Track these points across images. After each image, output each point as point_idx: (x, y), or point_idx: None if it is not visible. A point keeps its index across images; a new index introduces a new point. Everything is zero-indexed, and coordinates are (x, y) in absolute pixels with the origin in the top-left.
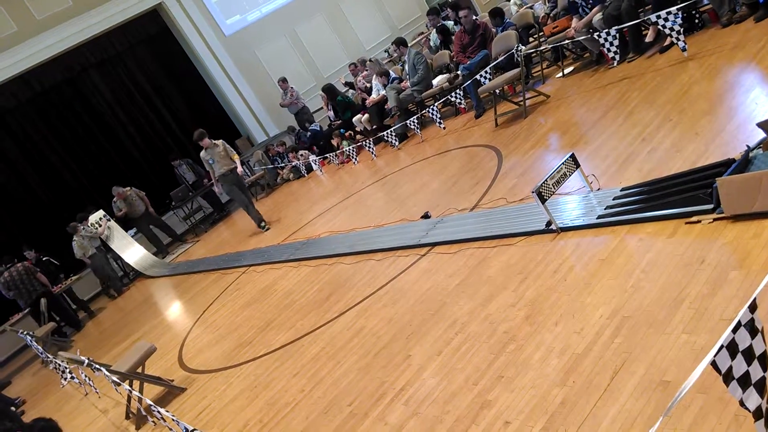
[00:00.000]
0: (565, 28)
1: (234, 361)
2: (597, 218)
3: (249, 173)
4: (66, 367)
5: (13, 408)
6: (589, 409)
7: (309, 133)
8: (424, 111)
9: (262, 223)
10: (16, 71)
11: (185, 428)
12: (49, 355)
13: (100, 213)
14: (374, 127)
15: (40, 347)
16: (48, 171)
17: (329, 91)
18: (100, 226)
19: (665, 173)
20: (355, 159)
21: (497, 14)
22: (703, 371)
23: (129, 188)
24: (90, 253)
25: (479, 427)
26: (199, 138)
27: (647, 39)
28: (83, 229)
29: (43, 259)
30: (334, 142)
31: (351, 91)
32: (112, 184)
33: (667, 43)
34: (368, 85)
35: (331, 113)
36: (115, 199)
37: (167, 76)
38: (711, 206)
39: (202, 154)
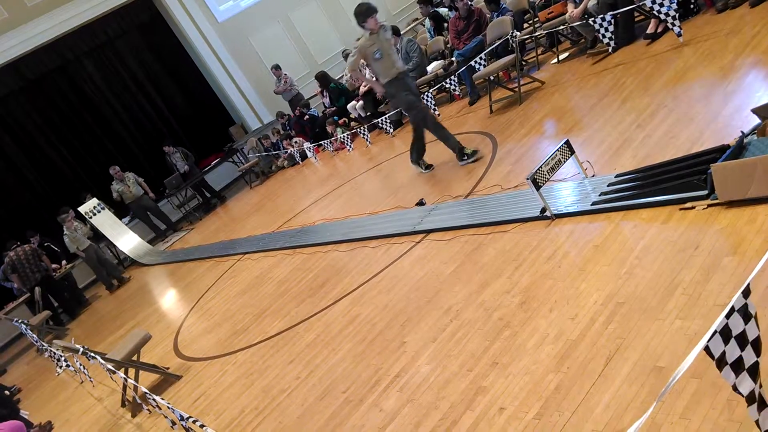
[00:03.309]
0: (561, 14)
1: (229, 349)
2: (591, 205)
3: (244, 160)
4: (61, 356)
5: (6, 392)
6: (583, 395)
7: (307, 117)
8: None
9: (465, 151)
10: (7, 58)
11: (181, 416)
12: (44, 344)
13: (94, 201)
14: (369, 113)
15: (35, 335)
16: (41, 159)
17: (322, 78)
18: (94, 215)
19: (660, 159)
20: (350, 146)
21: (493, 0)
22: (696, 357)
23: (128, 173)
24: (84, 246)
25: (474, 413)
26: (367, 12)
27: (648, 30)
28: (73, 228)
29: (45, 244)
30: (329, 129)
31: (345, 78)
32: (105, 172)
33: (660, 29)
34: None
35: (327, 100)
36: (113, 182)
37: (160, 63)
38: (705, 192)
39: (365, 42)
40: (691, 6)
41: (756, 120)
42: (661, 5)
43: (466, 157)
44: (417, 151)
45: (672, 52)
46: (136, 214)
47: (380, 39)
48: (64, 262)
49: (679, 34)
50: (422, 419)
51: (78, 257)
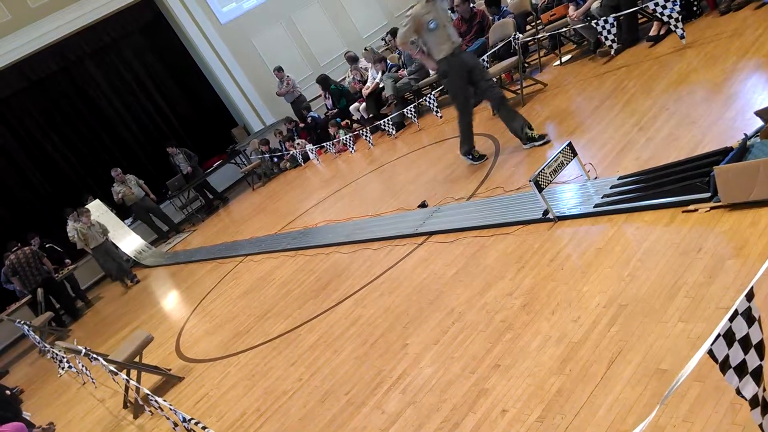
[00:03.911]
0: (563, 16)
1: (231, 350)
2: (594, 207)
3: (247, 162)
4: (63, 357)
5: (8, 392)
6: (586, 398)
7: (310, 119)
8: (421, 99)
9: (473, 153)
10: (10, 60)
11: (183, 417)
12: (46, 345)
13: (103, 207)
14: (371, 115)
15: (37, 337)
16: (44, 160)
17: (323, 81)
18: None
19: (662, 162)
20: (352, 148)
21: (494, 3)
22: (699, 360)
23: (129, 175)
24: (96, 244)
25: (476, 416)
26: None
27: (651, 32)
28: (89, 225)
29: (47, 246)
30: (331, 131)
31: (347, 80)
32: (108, 173)
33: (663, 32)
34: (367, 73)
35: (329, 102)
36: (114, 184)
37: (163, 65)
38: (708, 195)
39: (420, 9)
40: (694, 8)
41: (759, 122)
42: (664, 8)
43: (471, 158)
44: (514, 128)
45: (675, 55)
46: (137, 215)
47: (436, 7)
48: (68, 261)
49: (682, 37)
50: (424, 421)
51: (82, 258)
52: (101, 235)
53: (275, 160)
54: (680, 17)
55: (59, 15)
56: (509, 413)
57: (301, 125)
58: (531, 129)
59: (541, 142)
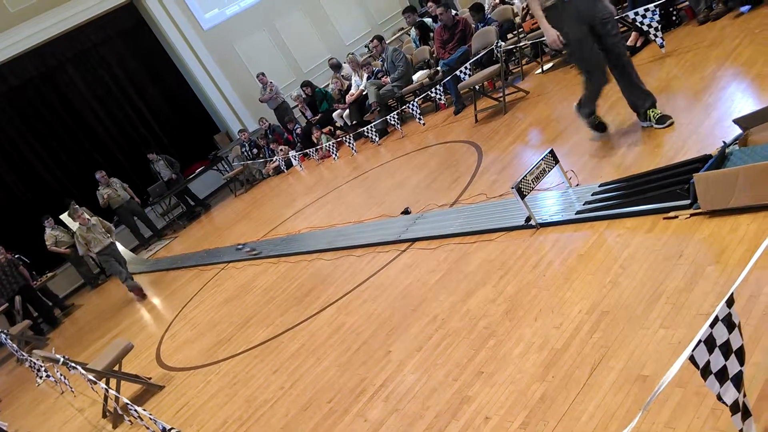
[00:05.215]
0: None
1: (213, 359)
2: (576, 214)
3: (229, 168)
4: (41, 366)
5: None
6: (569, 404)
7: (298, 130)
8: (404, 107)
9: (595, 120)
10: None
11: (163, 427)
12: (23, 354)
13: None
14: (354, 122)
15: (14, 345)
16: (23, 166)
17: (309, 84)
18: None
19: (643, 169)
20: (335, 155)
21: (480, 9)
22: (681, 366)
23: (113, 178)
24: (100, 247)
25: (459, 423)
26: None
27: (628, 42)
28: (88, 225)
29: (15, 256)
30: (314, 135)
31: (330, 86)
32: (88, 180)
33: (639, 44)
34: (347, 82)
35: (309, 112)
36: (99, 187)
37: (145, 71)
38: (688, 202)
39: None
40: (673, 18)
41: (738, 130)
42: (644, 17)
43: (589, 122)
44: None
45: (654, 63)
46: (122, 219)
47: None
48: (34, 272)
49: (661, 45)
50: (407, 429)
51: (59, 264)
52: (105, 236)
53: (254, 151)
54: (660, 26)
55: (39, 19)
56: (492, 420)
57: (297, 129)
58: (654, 107)
59: (661, 125)
